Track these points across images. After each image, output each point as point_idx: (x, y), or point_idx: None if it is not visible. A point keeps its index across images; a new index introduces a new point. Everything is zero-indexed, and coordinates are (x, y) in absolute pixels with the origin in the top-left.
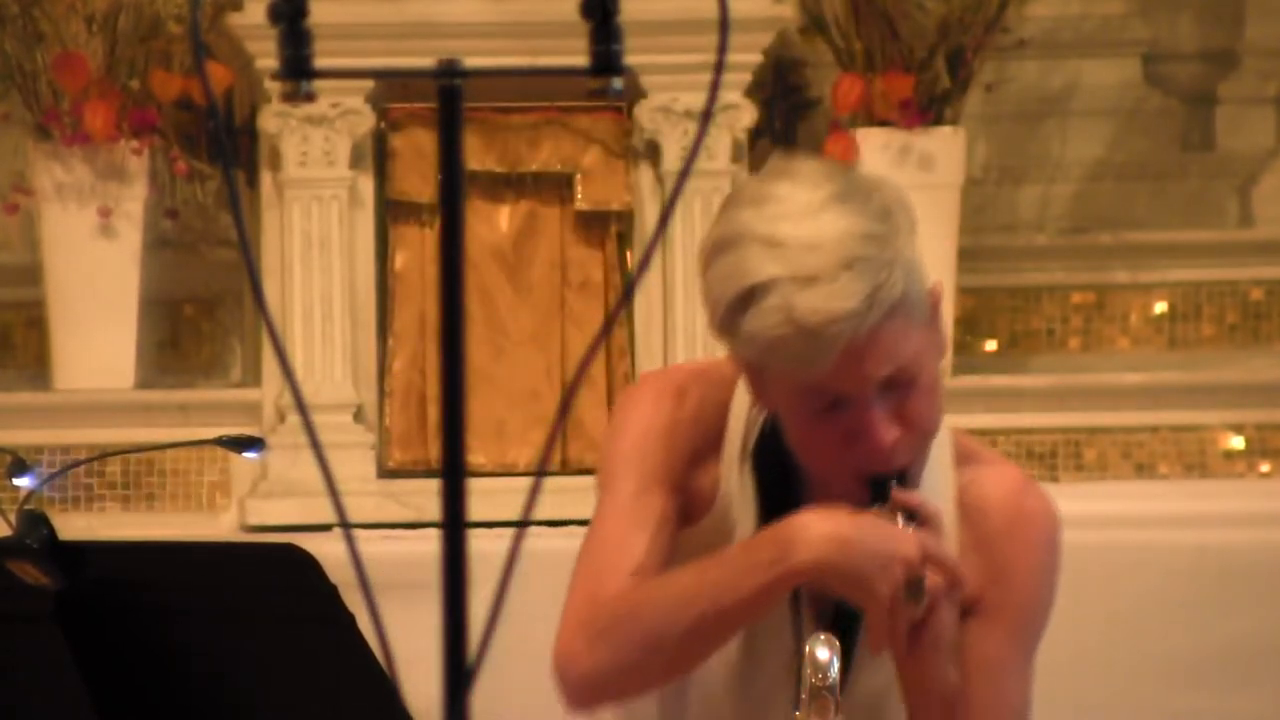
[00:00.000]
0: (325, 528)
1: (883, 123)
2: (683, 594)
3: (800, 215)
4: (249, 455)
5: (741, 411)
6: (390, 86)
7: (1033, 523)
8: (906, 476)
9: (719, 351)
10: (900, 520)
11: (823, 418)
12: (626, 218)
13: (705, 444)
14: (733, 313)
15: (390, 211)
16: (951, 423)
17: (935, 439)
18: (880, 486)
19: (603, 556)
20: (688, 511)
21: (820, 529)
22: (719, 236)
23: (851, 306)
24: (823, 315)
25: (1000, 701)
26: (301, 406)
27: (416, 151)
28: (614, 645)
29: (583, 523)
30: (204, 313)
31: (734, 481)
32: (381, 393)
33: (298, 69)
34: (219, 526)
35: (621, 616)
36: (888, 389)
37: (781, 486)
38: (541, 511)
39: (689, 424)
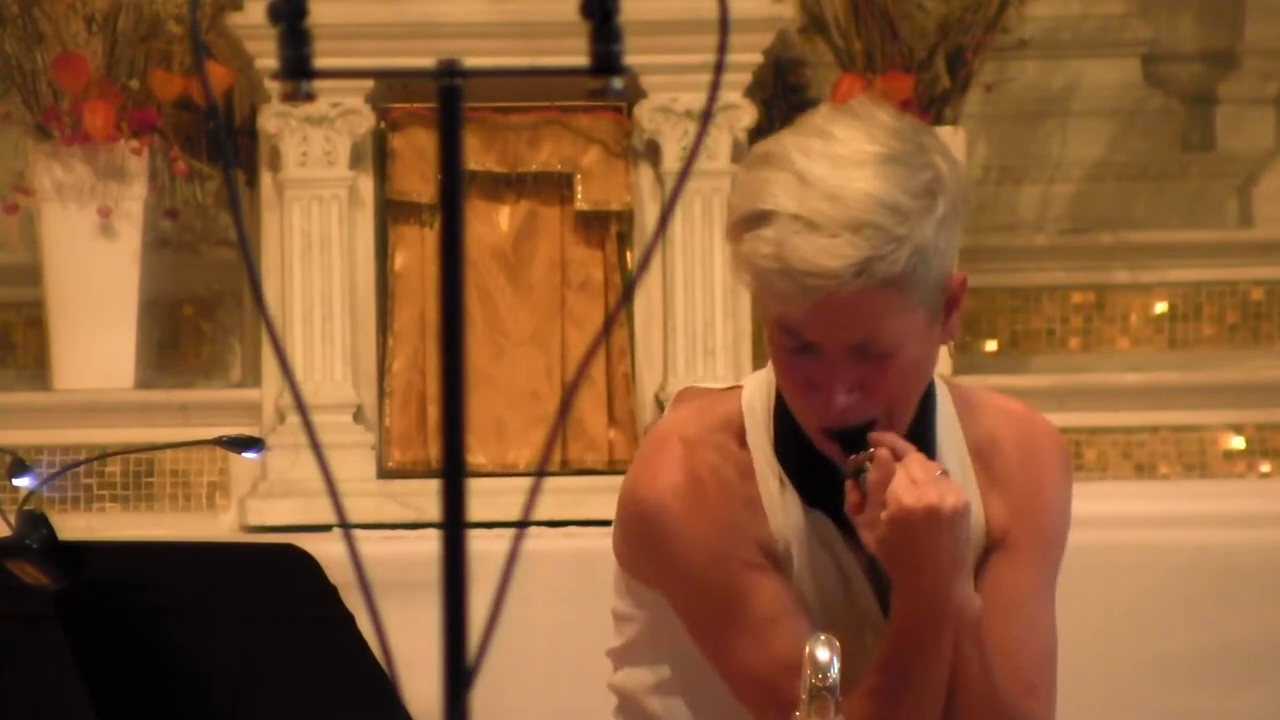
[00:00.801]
0: (325, 528)
1: None
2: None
3: (841, 162)
4: (249, 455)
5: (757, 408)
6: (390, 86)
7: (1044, 452)
8: (873, 427)
9: (717, 354)
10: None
11: (793, 356)
12: (626, 218)
13: (747, 499)
14: (739, 228)
15: (390, 211)
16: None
17: (937, 394)
18: (848, 438)
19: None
20: (778, 562)
21: None
22: (768, 148)
23: (836, 267)
24: (808, 265)
25: (1034, 631)
26: (301, 407)
27: (416, 151)
28: None
29: (583, 523)
30: (204, 313)
31: (779, 507)
32: (381, 393)
33: (298, 69)
34: (219, 527)
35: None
36: (859, 354)
37: (814, 472)
38: (541, 511)
39: (722, 505)
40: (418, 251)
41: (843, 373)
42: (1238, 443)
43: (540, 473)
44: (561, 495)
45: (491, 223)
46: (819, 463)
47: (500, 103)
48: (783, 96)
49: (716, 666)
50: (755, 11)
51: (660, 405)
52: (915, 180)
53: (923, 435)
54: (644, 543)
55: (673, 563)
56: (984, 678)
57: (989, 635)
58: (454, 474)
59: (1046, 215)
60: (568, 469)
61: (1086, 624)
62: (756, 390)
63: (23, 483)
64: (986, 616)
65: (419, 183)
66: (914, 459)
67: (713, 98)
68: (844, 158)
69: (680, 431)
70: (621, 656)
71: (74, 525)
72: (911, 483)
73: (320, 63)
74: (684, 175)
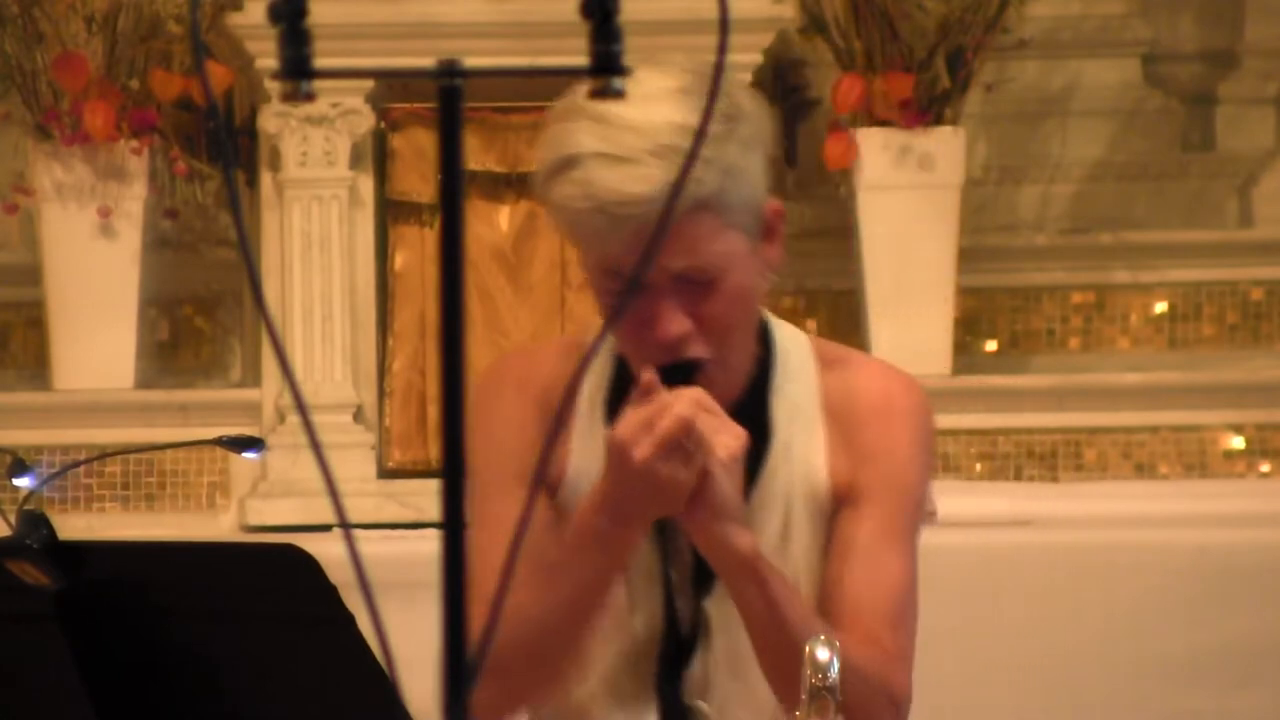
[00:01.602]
0: (325, 528)
1: (883, 123)
2: (542, 607)
3: (638, 99)
4: (249, 455)
5: (593, 375)
6: (390, 86)
7: (897, 405)
8: (701, 367)
9: None
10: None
11: (620, 300)
12: None
13: (558, 417)
14: (547, 179)
15: (390, 211)
16: (951, 423)
17: (795, 348)
18: (675, 375)
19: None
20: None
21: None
22: (564, 104)
23: (645, 191)
24: (617, 195)
25: (878, 578)
26: (301, 406)
27: (416, 151)
28: (508, 682)
29: None
30: (204, 313)
31: (585, 446)
32: (381, 393)
33: (297, 69)
34: (219, 527)
35: (504, 636)
36: (685, 282)
37: None
38: None
39: (535, 409)
40: (418, 251)
41: (670, 302)
42: (1238, 443)
43: (539, 473)
44: None
45: (491, 223)
46: None
47: (500, 103)
48: (783, 96)
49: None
50: (755, 11)
51: None
52: (714, 107)
53: (761, 388)
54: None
55: (471, 432)
56: (780, 624)
57: (833, 586)
58: (454, 474)
59: (1046, 215)
60: None
61: (1086, 624)
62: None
63: (23, 483)
64: (831, 569)
65: (419, 183)
66: (658, 403)
67: (713, 97)
68: (641, 95)
69: (525, 349)
70: None
71: (74, 525)
72: (630, 420)
73: (320, 63)
74: (684, 175)
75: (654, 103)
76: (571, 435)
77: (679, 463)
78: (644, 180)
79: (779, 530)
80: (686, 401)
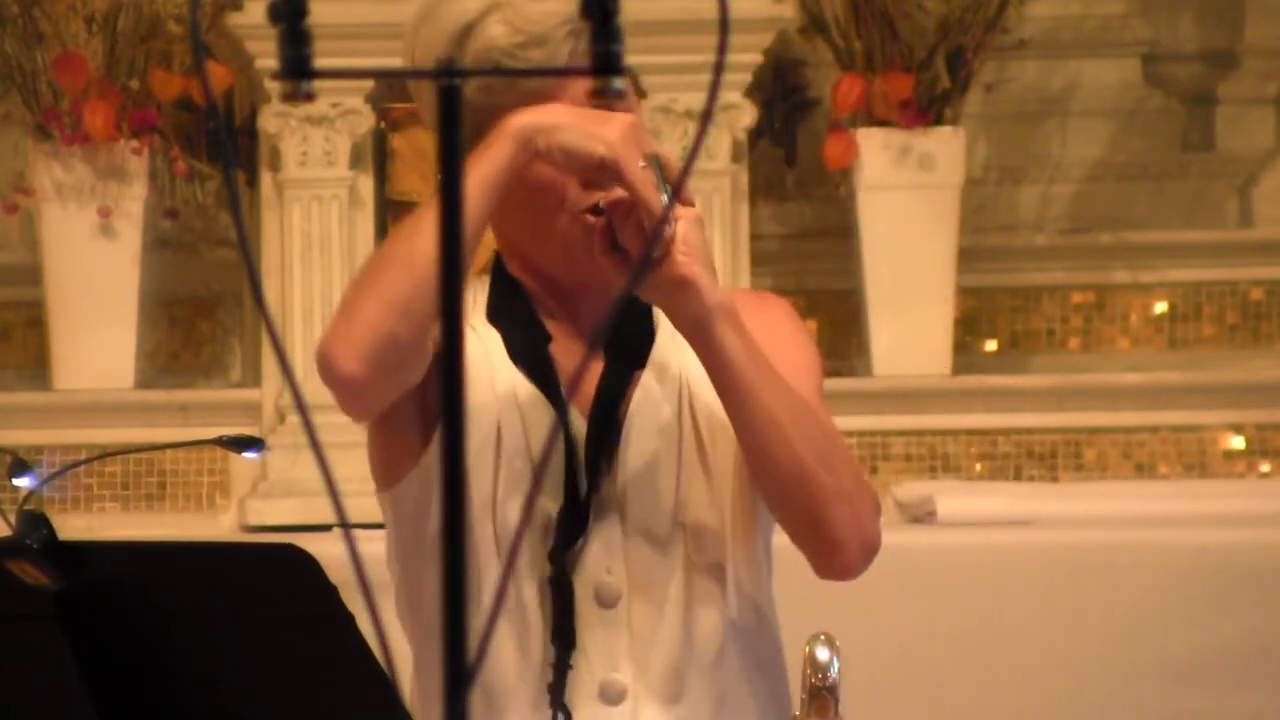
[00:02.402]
0: (325, 528)
1: (883, 123)
2: (415, 214)
3: None
4: (249, 455)
5: (472, 287)
6: (390, 86)
7: (767, 300)
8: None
9: None
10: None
11: (542, 166)
12: None
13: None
14: (458, 44)
15: (390, 211)
16: (951, 423)
17: None
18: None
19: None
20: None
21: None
22: (424, 5)
23: (571, 8)
24: (548, 17)
25: (827, 426)
26: (301, 407)
27: (416, 151)
28: (370, 288)
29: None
30: (204, 313)
31: (476, 342)
32: None
33: (298, 69)
34: (219, 526)
35: (365, 272)
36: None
37: (524, 330)
38: None
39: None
40: None
41: None
42: (1238, 443)
43: (539, 473)
44: None
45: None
46: (528, 326)
47: None
48: (783, 96)
49: None
50: (755, 11)
51: None
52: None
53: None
54: None
55: None
56: (761, 373)
57: None
58: (454, 473)
59: (1046, 215)
60: None
61: (1086, 624)
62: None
63: (23, 483)
64: None
65: (419, 183)
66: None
67: (713, 98)
68: None
69: None
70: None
71: (74, 525)
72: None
73: (320, 63)
74: (684, 175)
75: None
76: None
77: (654, 179)
78: (566, 3)
79: (675, 414)
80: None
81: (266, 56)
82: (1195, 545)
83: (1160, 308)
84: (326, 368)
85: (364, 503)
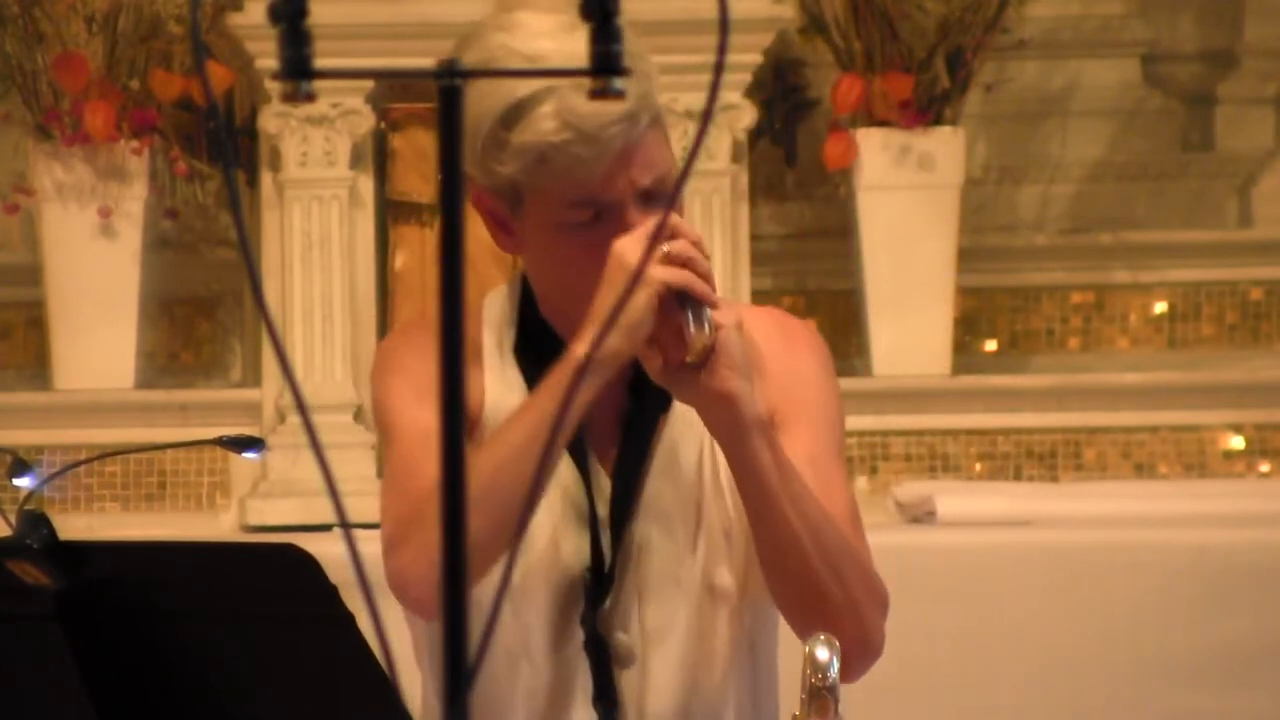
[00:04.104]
0: (325, 528)
1: (883, 123)
2: (491, 447)
3: (556, 33)
4: (249, 455)
5: (495, 315)
6: (390, 86)
7: (800, 335)
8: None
9: None
10: (691, 318)
11: (585, 233)
12: None
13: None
14: (500, 128)
15: (390, 211)
16: (951, 423)
17: None
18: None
19: (400, 482)
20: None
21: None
22: (475, 58)
23: (627, 109)
24: (600, 119)
25: (830, 491)
26: (301, 406)
27: (417, 152)
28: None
29: None
30: (204, 313)
31: (500, 383)
32: None
33: (298, 69)
34: (219, 526)
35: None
36: (646, 200)
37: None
38: None
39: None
40: (418, 252)
41: (639, 222)
42: (1237, 443)
43: (539, 473)
44: None
45: None
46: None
47: None
48: (783, 96)
49: (381, 496)
50: (755, 11)
51: None
52: (627, 32)
53: None
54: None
55: (373, 381)
56: (787, 489)
57: None
58: (454, 474)
59: (1046, 215)
60: None
61: (1086, 624)
62: (496, 294)
63: (23, 483)
64: None
65: (419, 183)
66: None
67: (713, 98)
68: (552, 30)
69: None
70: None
71: (74, 525)
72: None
73: (320, 63)
74: (684, 175)
75: (571, 33)
76: (484, 374)
77: (698, 325)
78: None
79: (696, 462)
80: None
81: (267, 57)
82: (1195, 545)
83: (1160, 308)
84: (403, 599)
85: (364, 503)
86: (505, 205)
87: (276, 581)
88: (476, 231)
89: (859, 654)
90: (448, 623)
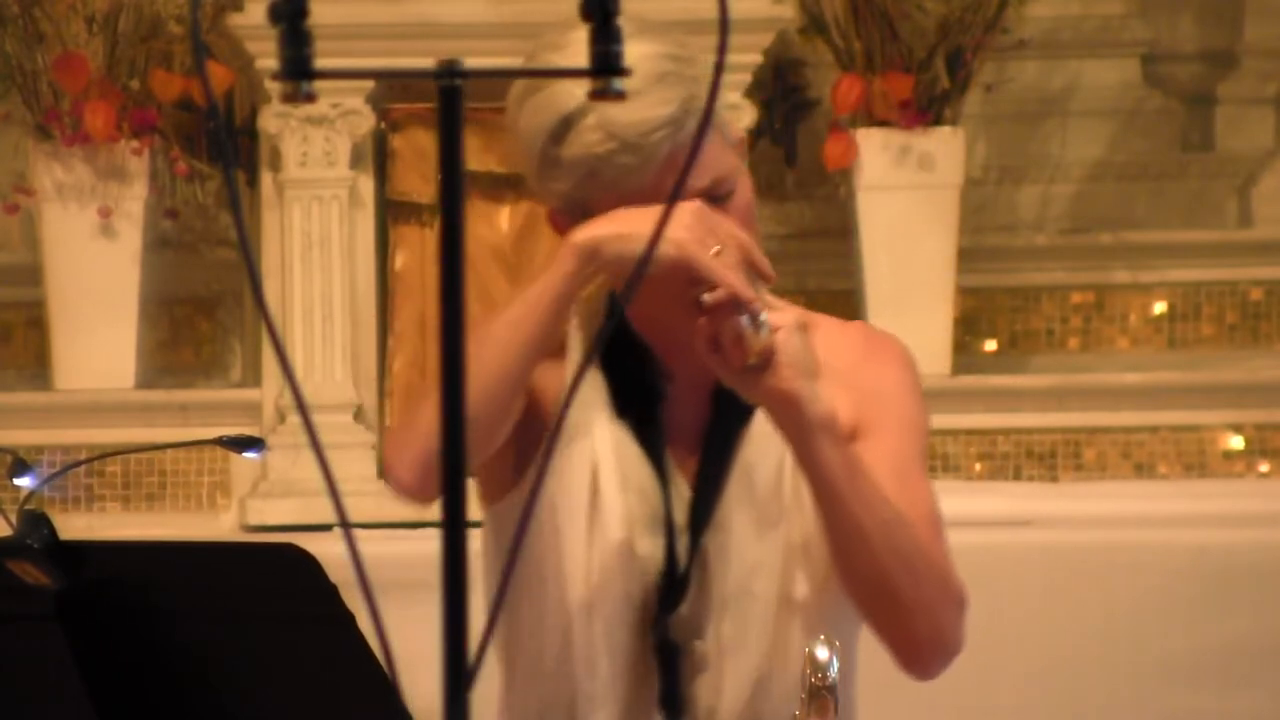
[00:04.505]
0: (325, 528)
1: (882, 123)
2: (482, 335)
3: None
4: (249, 455)
5: (584, 315)
6: (390, 87)
7: (884, 346)
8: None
9: None
10: (748, 321)
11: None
12: None
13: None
14: (551, 144)
15: (390, 212)
16: (951, 423)
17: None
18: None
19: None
20: (534, 413)
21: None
22: (523, 83)
23: (668, 113)
24: (642, 125)
25: (912, 497)
26: (301, 406)
27: (417, 152)
28: (430, 401)
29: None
30: (204, 313)
31: (585, 385)
32: (382, 393)
33: (298, 69)
34: (219, 526)
35: (427, 383)
36: (708, 201)
37: (634, 379)
38: None
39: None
40: (418, 252)
41: None
42: (1237, 443)
43: (540, 472)
44: None
45: (491, 223)
46: (642, 380)
47: (501, 103)
48: (783, 96)
49: None
50: (755, 11)
51: None
52: (668, 37)
53: None
54: None
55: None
56: (857, 490)
57: None
58: (454, 474)
59: (1046, 215)
60: None
61: (1086, 624)
62: (589, 298)
63: (24, 482)
64: None
65: (419, 183)
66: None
67: (713, 97)
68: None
69: None
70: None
71: (75, 525)
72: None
73: (321, 63)
74: (684, 175)
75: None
76: (566, 369)
77: (753, 329)
78: (662, 104)
79: (775, 474)
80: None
81: (267, 57)
82: (1195, 545)
83: (1160, 308)
84: (392, 482)
85: (364, 502)
86: (575, 224)
87: (276, 581)
88: (476, 231)
89: (934, 652)
90: (448, 623)
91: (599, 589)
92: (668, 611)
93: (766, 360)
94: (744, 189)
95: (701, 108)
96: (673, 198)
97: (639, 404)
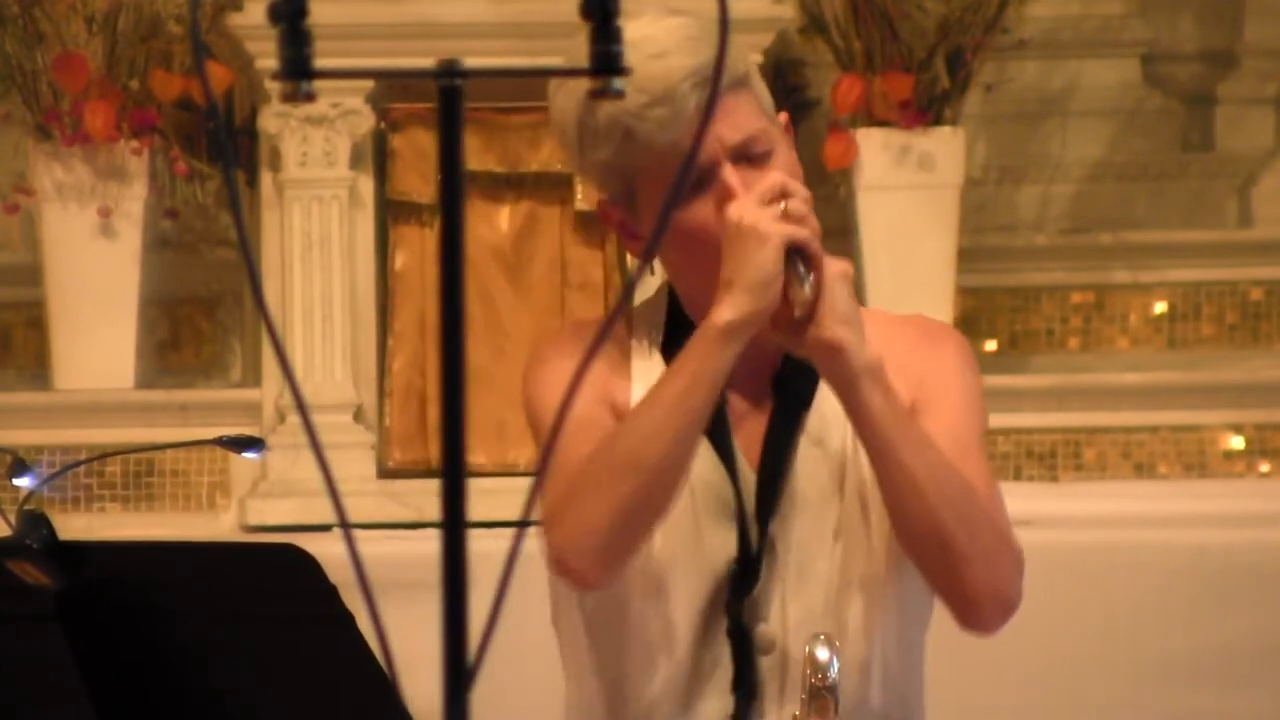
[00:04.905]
0: (325, 528)
1: (882, 123)
2: (639, 415)
3: (638, 25)
4: (249, 455)
5: (644, 319)
6: (390, 87)
7: (941, 331)
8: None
9: None
10: (797, 272)
11: (694, 209)
12: None
13: (615, 362)
14: (586, 114)
15: (390, 211)
16: None
17: None
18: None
19: (556, 465)
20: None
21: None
22: (557, 83)
23: (694, 64)
24: (669, 76)
25: (970, 466)
26: (301, 406)
27: (417, 152)
28: (600, 492)
29: None
30: (204, 313)
31: (646, 381)
32: (381, 393)
33: (298, 69)
34: (219, 526)
35: (592, 469)
36: (745, 160)
37: None
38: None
39: (581, 350)
40: (418, 251)
41: (742, 172)
42: (1237, 443)
43: (540, 472)
44: None
45: (491, 223)
46: None
47: (500, 103)
48: (783, 96)
49: (542, 494)
50: (755, 11)
51: None
52: (702, 19)
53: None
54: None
55: (528, 385)
56: (904, 435)
57: None
58: (454, 474)
59: (1046, 215)
60: None
61: (1086, 624)
62: (647, 302)
63: (23, 483)
64: None
65: (419, 183)
66: (768, 181)
67: (713, 97)
68: (635, 23)
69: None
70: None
71: (74, 525)
72: (745, 203)
73: (320, 63)
74: (684, 175)
75: (655, 22)
76: (631, 373)
77: (790, 218)
78: (690, 54)
79: (839, 457)
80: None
81: (267, 57)
82: (1195, 545)
83: (1160, 308)
84: (567, 575)
85: (364, 502)
86: (623, 208)
87: (276, 581)
88: (476, 231)
89: (993, 605)
90: (448, 623)
91: (667, 581)
92: (740, 596)
93: (811, 311)
94: (786, 154)
95: (735, 70)
96: (697, 141)
97: None
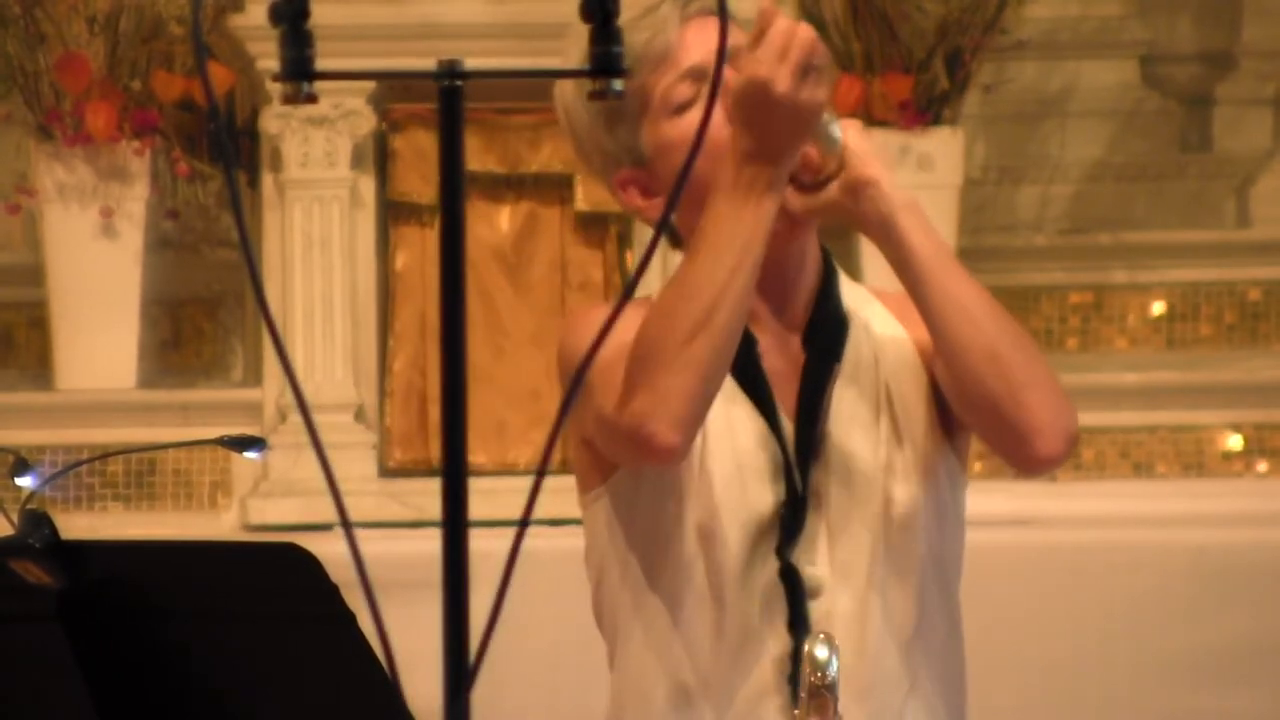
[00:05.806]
0: (326, 527)
1: (882, 123)
2: (697, 277)
3: None
4: (250, 455)
5: None
6: (391, 87)
7: None
8: None
9: None
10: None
11: (692, 112)
12: (626, 219)
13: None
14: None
15: (391, 212)
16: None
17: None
18: None
19: (616, 363)
20: None
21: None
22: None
23: None
24: None
25: None
26: (302, 406)
27: (417, 152)
28: (677, 357)
29: (582, 522)
30: (205, 313)
31: (721, 410)
32: (382, 393)
33: (299, 70)
34: (220, 526)
35: (660, 340)
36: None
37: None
38: (541, 511)
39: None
40: (418, 252)
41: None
42: (1235, 442)
43: (540, 472)
44: (562, 495)
45: (492, 223)
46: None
47: (501, 103)
48: None
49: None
50: (754, 12)
51: None
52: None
53: (831, 282)
54: (558, 353)
55: (567, 336)
56: (946, 265)
57: None
58: (454, 474)
59: (1045, 215)
60: (568, 469)
61: (1086, 623)
62: None
63: (25, 482)
64: None
65: (420, 183)
66: (781, 31)
67: (713, 97)
68: None
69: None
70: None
71: (76, 525)
72: (761, 56)
73: (321, 64)
74: (684, 175)
75: None
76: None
77: (814, 83)
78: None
79: (874, 404)
80: (804, 25)
81: (268, 58)
82: (1193, 545)
83: (1158, 308)
84: (646, 444)
85: (364, 502)
86: (635, 169)
87: (277, 581)
88: (476, 232)
89: (1055, 433)
90: (448, 623)
91: (714, 531)
92: (790, 539)
93: (840, 163)
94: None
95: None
96: (716, 73)
97: (741, 358)
